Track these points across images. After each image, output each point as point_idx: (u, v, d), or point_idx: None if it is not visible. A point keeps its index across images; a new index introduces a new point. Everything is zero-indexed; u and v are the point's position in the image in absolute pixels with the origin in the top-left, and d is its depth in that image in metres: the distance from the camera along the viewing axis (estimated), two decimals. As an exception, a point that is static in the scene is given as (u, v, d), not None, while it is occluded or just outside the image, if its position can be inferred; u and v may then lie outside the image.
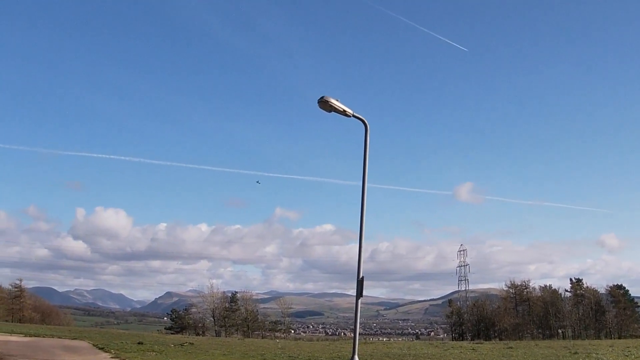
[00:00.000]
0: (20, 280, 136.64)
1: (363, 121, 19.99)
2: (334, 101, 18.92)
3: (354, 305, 19.77)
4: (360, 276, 19.34)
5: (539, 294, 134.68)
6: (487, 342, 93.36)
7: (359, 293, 19.24)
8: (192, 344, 50.87)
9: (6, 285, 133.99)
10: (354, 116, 19.81)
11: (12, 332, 55.09)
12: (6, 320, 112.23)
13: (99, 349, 38.21)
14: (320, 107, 19.18)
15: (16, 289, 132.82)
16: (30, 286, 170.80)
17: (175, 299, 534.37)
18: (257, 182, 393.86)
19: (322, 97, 18.68)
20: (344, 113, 19.51)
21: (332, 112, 19.32)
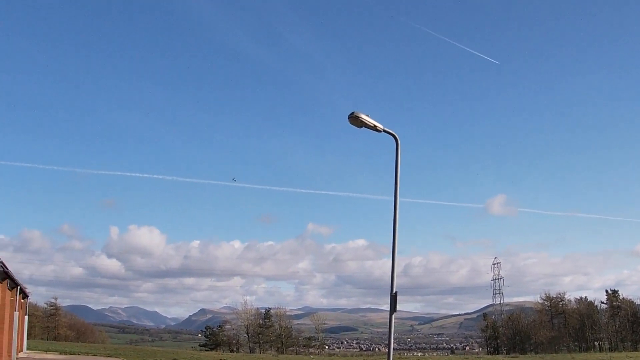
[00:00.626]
0: (55, 299, 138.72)
1: (394, 136, 19.98)
2: (364, 117, 18.91)
3: (388, 320, 19.66)
4: (394, 291, 19.26)
5: (575, 307, 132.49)
6: (523, 355, 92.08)
7: (393, 308, 19.15)
8: (227, 360, 51.09)
9: (42, 303, 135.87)
10: (384, 131, 19.81)
11: (47, 350, 55.87)
12: (42, 339, 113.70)
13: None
14: (350, 123, 19.17)
15: (51, 307, 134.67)
16: (66, 304, 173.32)
17: (209, 315, 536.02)
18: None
19: (352, 113, 18.68)
20: (374, 128, 19.50)
21: (363, 128, 19.35)
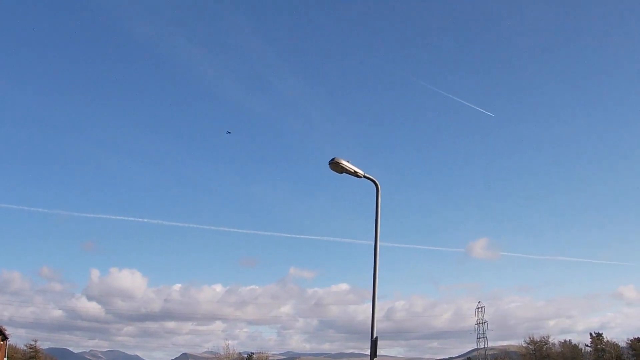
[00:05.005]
0: (35, 341, 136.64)
1: (374, 182, 20.24)
2: (345, 163, 19.15)
3: (370, 365, 19.62)
4: (374, 336, 19.30)
5: (559, 350, 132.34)
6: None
7: (373, 353, 19.18)
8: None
9: (21, 346, 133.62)
10: (365, 177, 20.09)
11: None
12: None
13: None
14: (331, 169, 19.41)
15: (31, 350, 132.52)
16: (46, 347, 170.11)
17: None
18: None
19: (333, 159, 18.91)
20: (355, 174, 19.77)
21: (344, 174, 19.61)
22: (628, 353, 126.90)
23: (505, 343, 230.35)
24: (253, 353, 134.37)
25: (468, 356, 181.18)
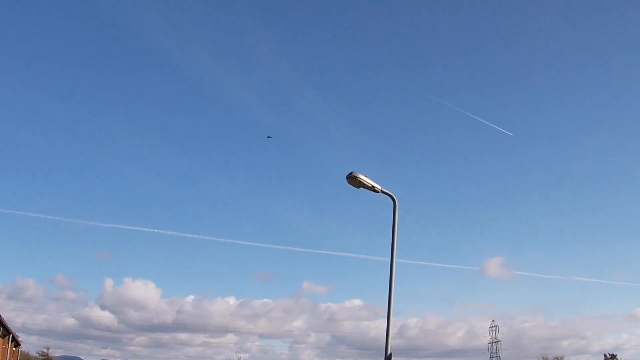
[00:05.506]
0: (48, 349, 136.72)
1: (392, 197, 20.15)
2: (362, 177, 19.10)
3: (382, 382, 19.45)
4: (389, 352, 19.14)
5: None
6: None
7: (387, 370, 18.99)
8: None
9: (34, 353, 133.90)
10: (382, 192, 20.00)
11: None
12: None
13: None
14: (348, 183, 19.31)
15: (43, 357, 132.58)
16: (58, 355, 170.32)
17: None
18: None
19: (350, 173, 18.86)
20: (372, 189, 19.68)
21: (361, 188, 19.53)
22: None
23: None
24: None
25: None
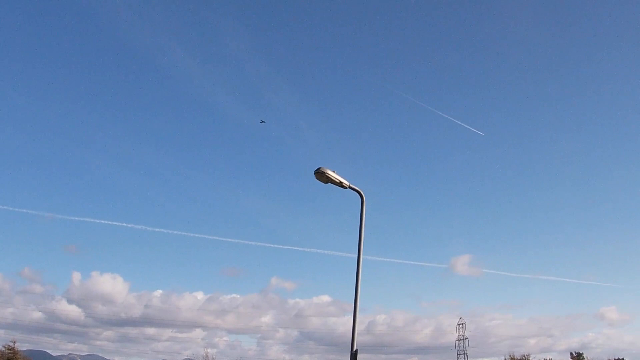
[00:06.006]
0: (14, 342, 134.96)
1: (359, 193, 20.00)
2: (330, 172, 18.91)
3: (347, 379, 19.35)
4: (354, 349, 19.05)
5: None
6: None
7: (352, 366, 18.91)
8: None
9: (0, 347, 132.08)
10: (350, 187, 19.86)
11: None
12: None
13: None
14: (316, 179, 19.09)
15: (9, 351, 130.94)
16: (24, 349, 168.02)
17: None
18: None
19: (318, 168, 18.64)
20: (340, 184, 19.49)
21: (329, 184, 19.34)
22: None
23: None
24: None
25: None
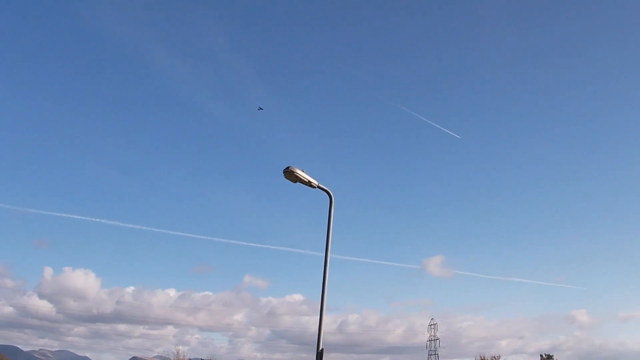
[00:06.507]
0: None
1: (328, 192, 20.05)
2: (299, 172, 18.92)
3: (313, 377, 19.37)
4: (320, 348, 19.09)
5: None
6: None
7: (317, 365, 18.94)
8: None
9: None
10: (319, 187, 19.91)
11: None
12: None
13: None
14: (285, 177, 19.11)
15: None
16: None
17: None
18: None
19: (287, 168, 18.66)
20: (309, 184, 19.52)
21: (298, 183, 19.37)
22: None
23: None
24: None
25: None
